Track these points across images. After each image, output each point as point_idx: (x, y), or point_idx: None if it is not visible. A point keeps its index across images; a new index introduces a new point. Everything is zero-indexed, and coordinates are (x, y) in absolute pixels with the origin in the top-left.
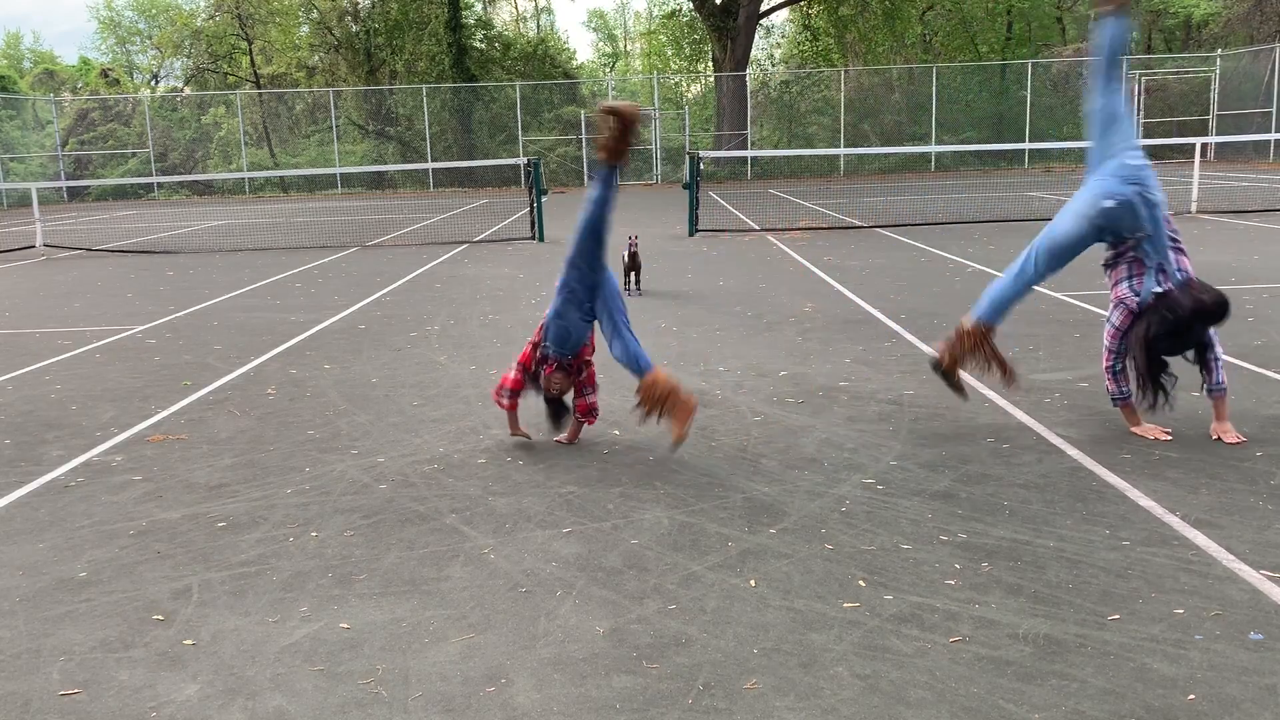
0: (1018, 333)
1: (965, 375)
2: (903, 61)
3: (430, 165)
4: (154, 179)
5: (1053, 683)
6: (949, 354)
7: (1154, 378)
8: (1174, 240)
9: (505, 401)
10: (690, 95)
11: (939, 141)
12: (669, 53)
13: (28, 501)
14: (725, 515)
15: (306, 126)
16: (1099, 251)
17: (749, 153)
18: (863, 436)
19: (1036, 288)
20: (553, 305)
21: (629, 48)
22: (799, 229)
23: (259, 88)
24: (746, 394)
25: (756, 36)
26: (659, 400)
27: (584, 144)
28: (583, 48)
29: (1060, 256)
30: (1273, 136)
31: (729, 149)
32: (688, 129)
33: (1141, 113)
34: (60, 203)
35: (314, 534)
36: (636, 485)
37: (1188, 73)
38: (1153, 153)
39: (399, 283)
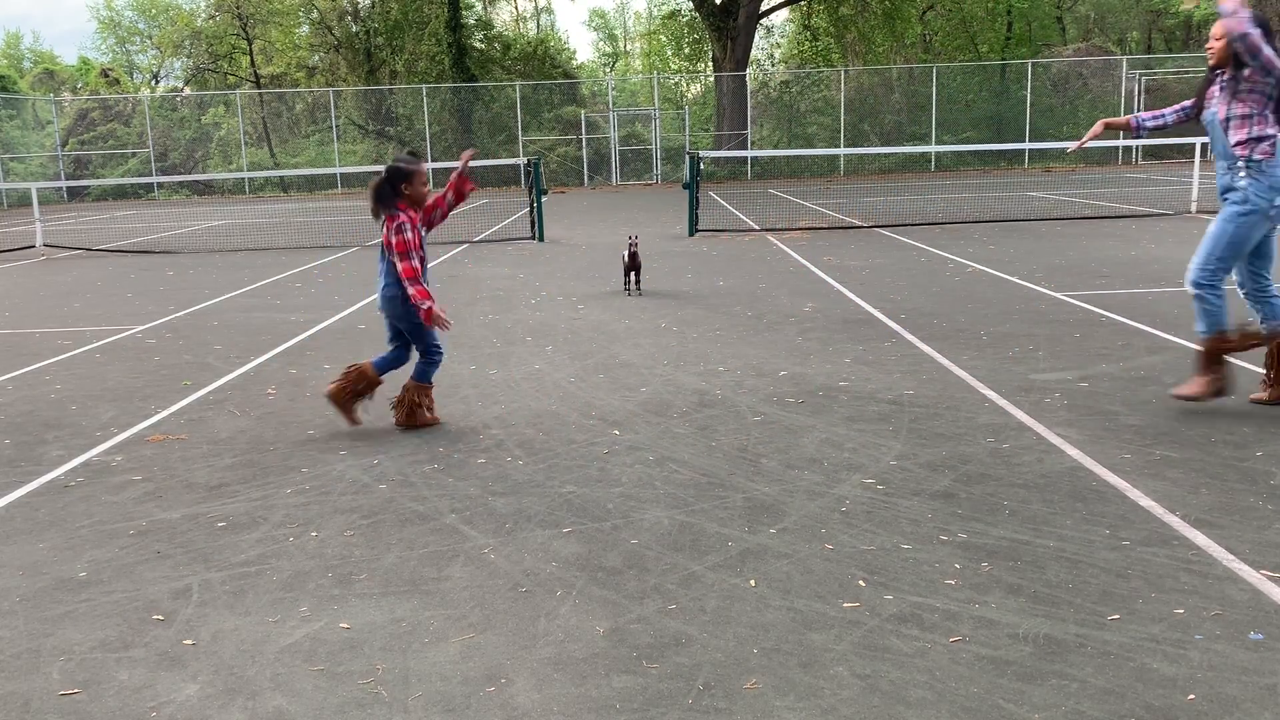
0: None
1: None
2: (903, 61)
3: (430, 165)
4: (154, 179)
5: (1053, 683)
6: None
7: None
8: None
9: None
10: (690, 95)
11: (939, 141)
12: (669, 53)
13: (28, 501)
14: (725, 515)
15: (306, 126)
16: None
17: (749, 153)
18: (863, 436)
19: (1037, 288)
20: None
21: (629, 48)
22: (799, 229)
23: (259, 88)
24: (746, 394)
25: (756, 36)
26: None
27: (584, 144)
28: (583, 48)
29: None
30: None
31: (729, 149)
32: (688, 129)
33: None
34: (60, 203)
35: (314, 534)
36: (636, 485)
37: (1188, 73)
38: (1153, 152)
39: None
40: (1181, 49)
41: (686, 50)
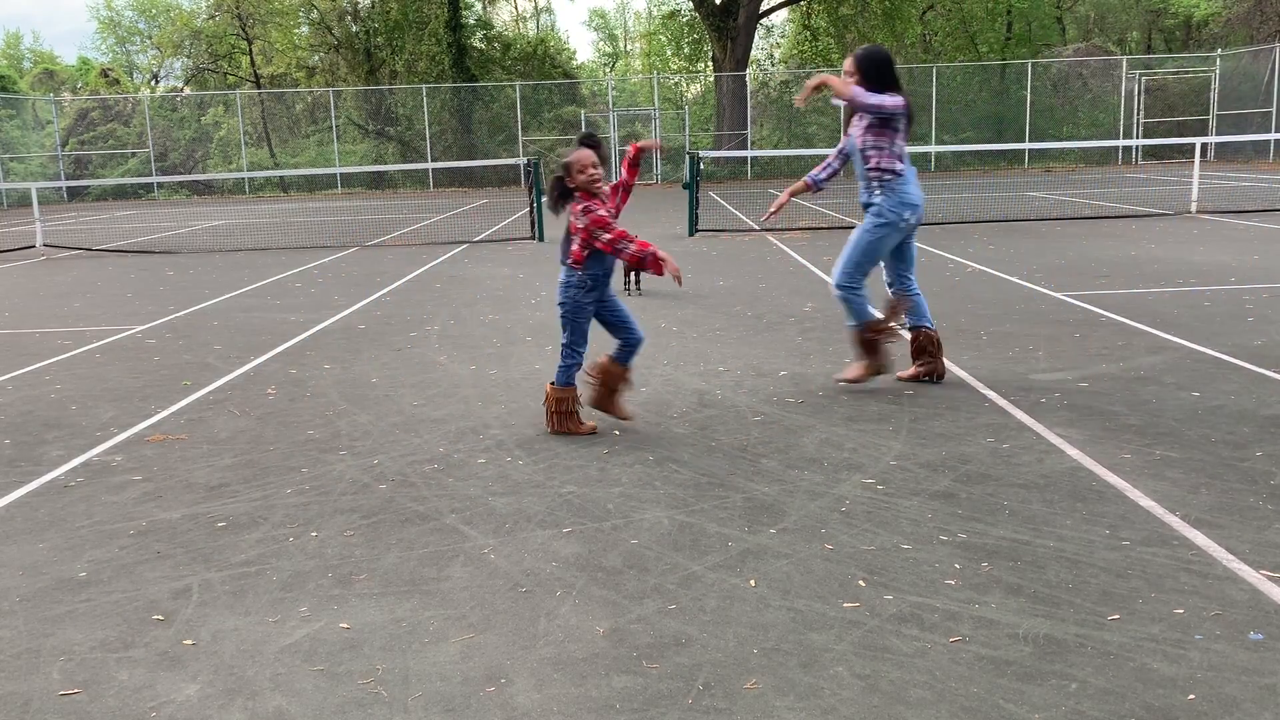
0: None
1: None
2: (903, 61)
3: (430, 165)
4: (154, 179)
5: (1053, 683)
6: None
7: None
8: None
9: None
10: (690, 95)
11: (939, 141)
12: (669, 53)
13: (28, 501)
14: (725, 515)
15: (306, 126)
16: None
17: (749, 153)
18: (863, 436)
19: (1037, 288)
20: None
21: (629, 48)
22: (799, 229)
23: (259, 88)
24: (746, 394)
25: (756, 36)
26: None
27: None
28: (583, 48)
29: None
30: (1272, 136)
31: (729, 149)
32: (688, 129)
33: (1141, 113)
34: (60, 203)
35: (314, 534)
36: (636, 485)
37: (1188, 73)
38: (1153, 152)
39: (399, 283)
40: (1181, 49)
41: (686, 50)
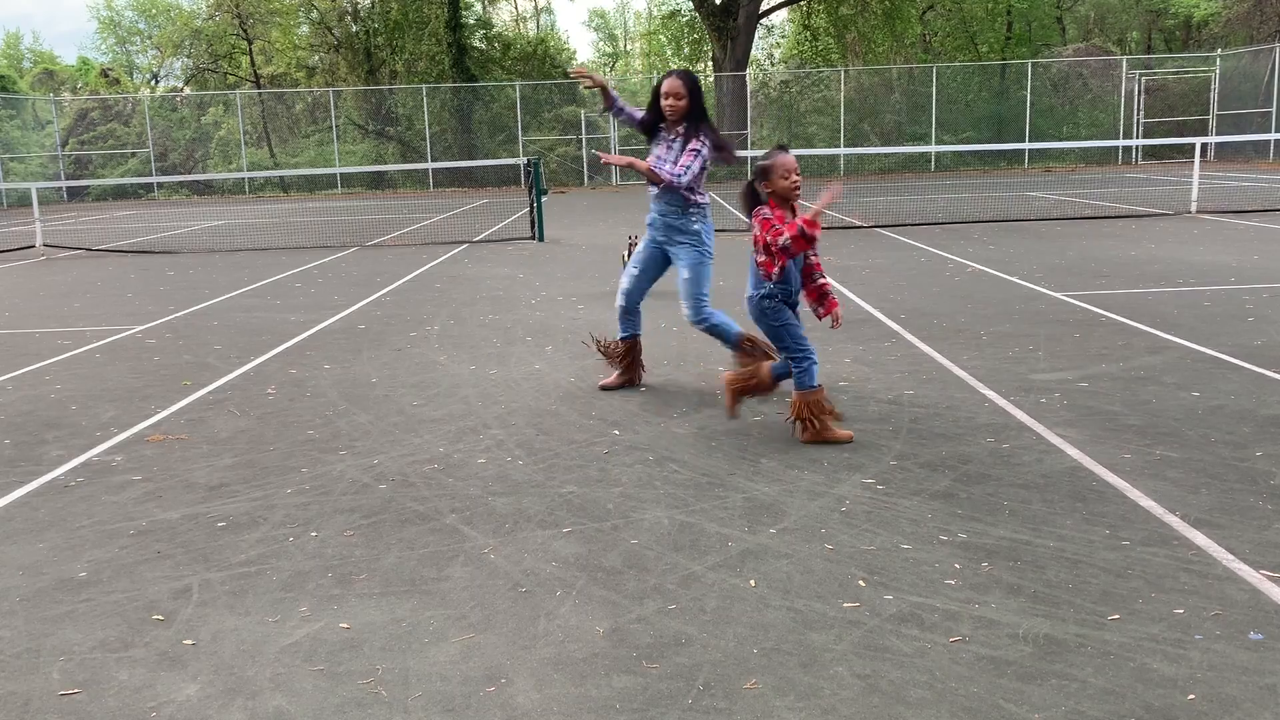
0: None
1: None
2: (903, 61)
3: (430, 165)
4: (154, 179)
5: (1053, 683)
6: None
7: None
8: None
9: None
10: None
11: (939, 141)
12: (669, 52)
13: (28, 501)
14: (725, 515)
15: (306, 126)
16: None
17: (749, 152)
18: (863, 436)
19: (1037, 288)
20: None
21: (629, 48)
22: None
23: (259, 88)
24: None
25: (756, 36)
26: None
27: (583, 144)
28: (583, 48)
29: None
30: (1273, 136)
31: None
32: None
33: (1141, 113)
34: (60, 203)
35: (314, 534)
36: (636, 485)
37: (1188, 73)
38: (1153, 152)
39: (399, 283)
40: (1181, 49)
41: (686, 50)
